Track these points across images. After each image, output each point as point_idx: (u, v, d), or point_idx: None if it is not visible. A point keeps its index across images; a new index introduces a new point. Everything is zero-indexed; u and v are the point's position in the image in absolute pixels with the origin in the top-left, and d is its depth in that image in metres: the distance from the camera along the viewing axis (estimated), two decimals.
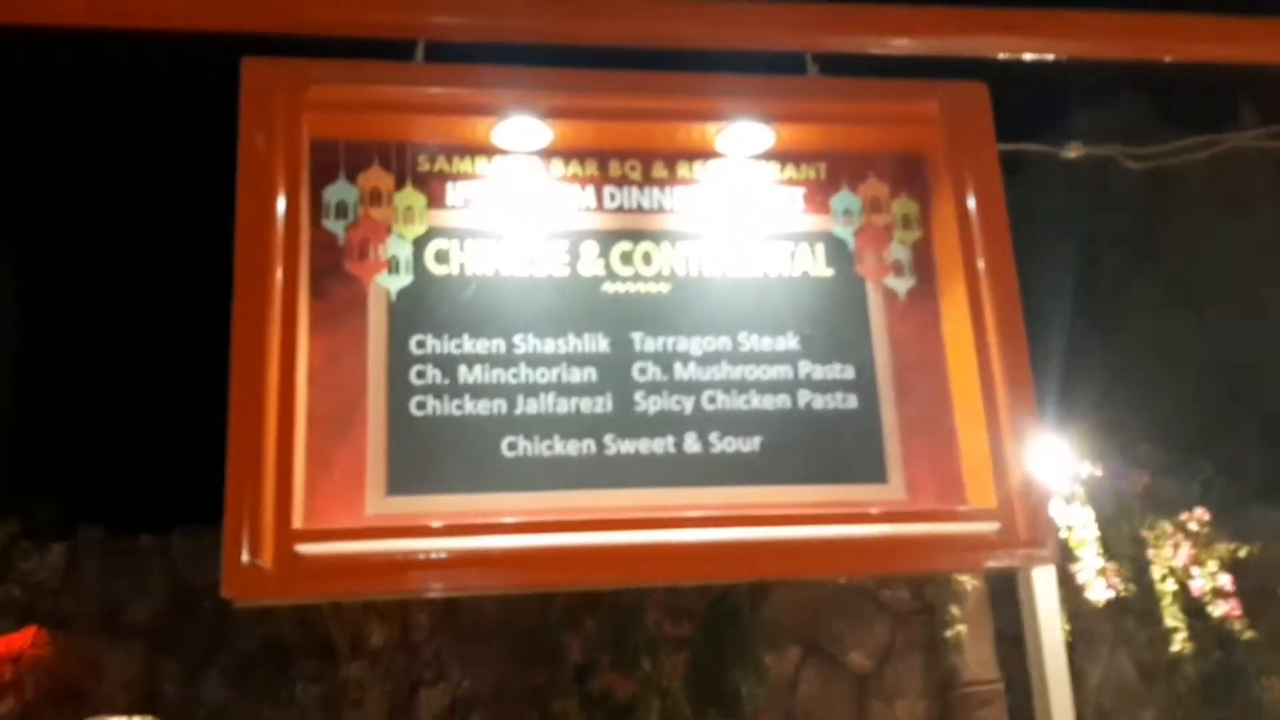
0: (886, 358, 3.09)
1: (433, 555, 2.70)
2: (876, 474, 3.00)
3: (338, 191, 2.94)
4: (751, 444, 2.96)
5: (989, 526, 2.86)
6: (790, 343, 3.05)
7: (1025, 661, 4.55)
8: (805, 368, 3.04)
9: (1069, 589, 5.50)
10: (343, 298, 2.88)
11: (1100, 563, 5.57)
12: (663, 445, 2.92)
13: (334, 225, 2.92)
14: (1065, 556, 5.55)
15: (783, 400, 3.00)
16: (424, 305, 2.92)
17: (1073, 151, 3.43)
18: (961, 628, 6.51)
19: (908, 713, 6.43)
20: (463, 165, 3.03)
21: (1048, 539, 2.87)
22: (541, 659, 6.89)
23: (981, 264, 3.04)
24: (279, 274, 2.74)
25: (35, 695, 7.94)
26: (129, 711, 8.05)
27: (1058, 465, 4.11)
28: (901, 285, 3.16)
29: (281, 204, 2.79)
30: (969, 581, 6.66)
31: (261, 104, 2.81)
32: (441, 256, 2.96)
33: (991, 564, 2.90)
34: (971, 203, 3.09)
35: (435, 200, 2.99)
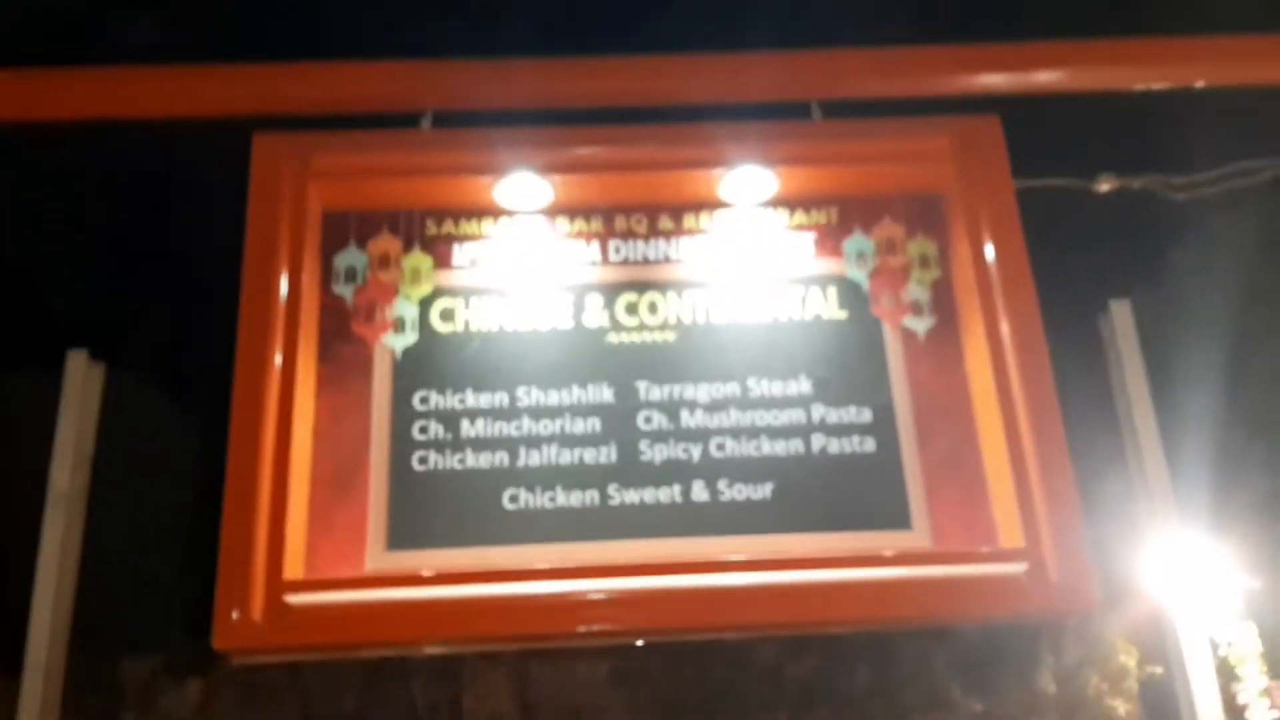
0: (907, 399, 2.94)
1: (425, 604, 2.65)
2: (900, 520, 2.83)
3: (348, 258, 3.03)
4: (763, 491, 2.84)
5: (1015, 567, 2.65)
6: (803, 387, 2.95)
7: None
8: (819, 411, 2.92)
9: (1234, 714, 5.07)
10: (349, 359, 2.93)
11: (1265, 681, 5.15)
12: (668, 494, 2.83)
13: (343, 289, 2.99)
14: (1227, 676, 5.14)
15: (795, 445, 2.88)
16: (428, 362, 2.94)
17: (1104, 185, 3.26)
18: None
19: None
20: (469, 227, 3.09)
21: (1084, 584, 2.62)
22: None
23: (1001, 301, 2.91)
24: (280, 339, 2.82)
25: None
26: None
27: (1213, 574, 3.71)
28: (921, 325, 3.02)
29: (286, 270, 2.89)
30: (1121, 705, 6.21)
31: (270, 174, 2.95)
32: (446, 315, 2.99)
33: (1021, 609, 2.65)
34: (988, 239, 2.98)
35: (442, 261, 3.05)
